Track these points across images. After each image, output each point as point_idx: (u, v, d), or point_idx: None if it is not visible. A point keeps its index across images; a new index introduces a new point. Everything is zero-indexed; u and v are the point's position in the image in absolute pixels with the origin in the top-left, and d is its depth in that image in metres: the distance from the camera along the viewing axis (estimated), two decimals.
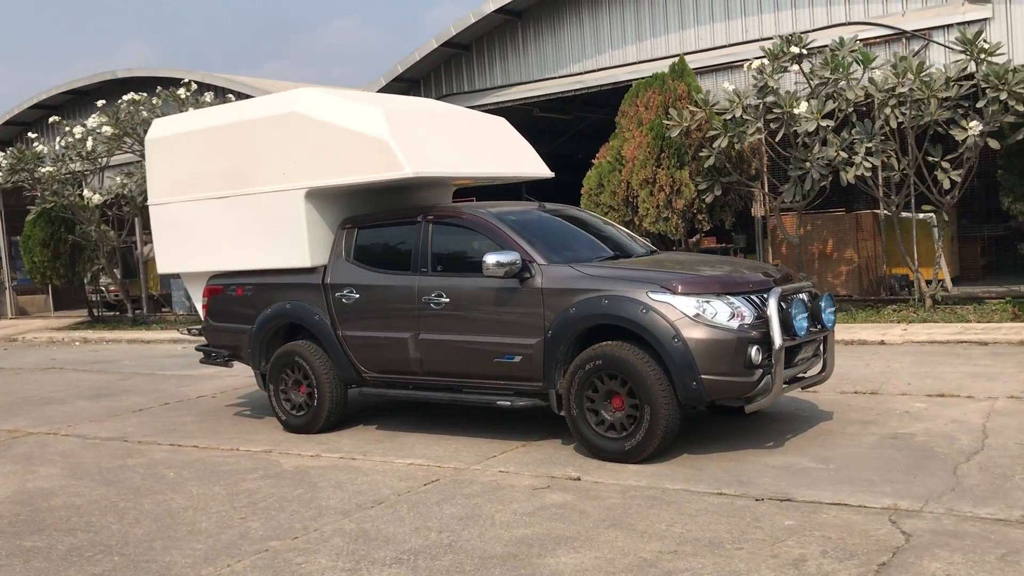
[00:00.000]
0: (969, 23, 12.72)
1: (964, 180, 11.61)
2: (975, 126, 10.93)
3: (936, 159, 11.65)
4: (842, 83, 11.59)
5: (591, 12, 15.98)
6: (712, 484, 5.61)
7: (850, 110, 11.67)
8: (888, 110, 11.10)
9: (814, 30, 13.71)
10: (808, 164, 11.95)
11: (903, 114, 11.13)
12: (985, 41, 11.03)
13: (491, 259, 6.61)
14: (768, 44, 12.16)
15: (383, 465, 6.70)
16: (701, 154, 12.75)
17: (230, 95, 17.78)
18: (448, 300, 7.05)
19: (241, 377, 11.67)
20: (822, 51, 11.97)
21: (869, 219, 14.46)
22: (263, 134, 8.11)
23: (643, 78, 14.17)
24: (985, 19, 12.64)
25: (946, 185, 11.51)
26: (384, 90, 17.21)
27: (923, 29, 13.03)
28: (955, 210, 14.03)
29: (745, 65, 12.24)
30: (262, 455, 7.32)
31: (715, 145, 12.43)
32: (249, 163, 8.24)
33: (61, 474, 7.21)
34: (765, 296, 6.19)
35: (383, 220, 7.89)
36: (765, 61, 11.83)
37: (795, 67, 11.88)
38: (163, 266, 9.27)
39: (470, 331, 6.95)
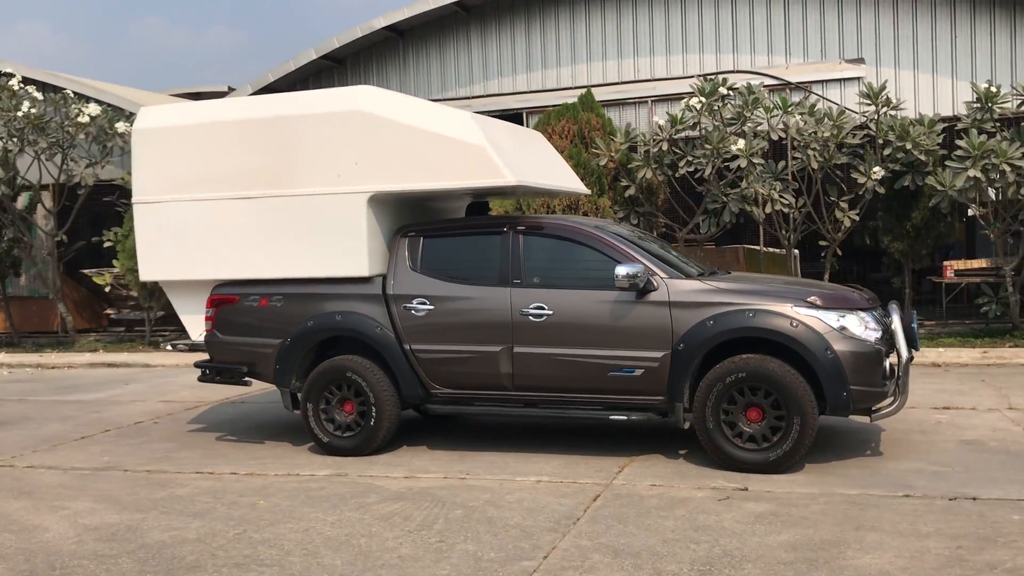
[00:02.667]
0: (846, 79, 14.26)
1: (860, 220, 12.92)
2: (877, 172, 12.22)
3: (834, 199, 12.87)
4: (763, 124, 12.52)
5: (480, 38, 16.08)
6: (886, 488, 5.90)
7: (766, 149, 12.63)
8: (810, 151, 12.13)
9: (705, 75, 14.67)
10: (726, 199, 12.76)
11: (820, 156, 12.20)
12: (887, 95, 12.38)
13: (622, 271, 6.55)
14: (693, 82, 12.88)
15: (509, 483, 6.37)
16: (620, 183, 13.21)
17: (65, 92, 15.92)
18: (551, 312, 6.87)
19: (152, 401, 10.58)
20: (739, 92, 12.84)
21: (739, 252, 15.62)
22: (311, 132, 7.47)
23: (537, 106, 14.49)
24: (859, 77, 14.20)
25: (847, 224, 12.74)
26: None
27: (806, 82, 14.38)
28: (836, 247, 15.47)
29: (683, 101, 12.86)
30: (344, 479, 6.69)
31: (640, 177, 12.95)
32: (287, 162, 7.55)
33: (105, 508, 6.19)
34: (886, 312, 6.62)
35: (456, 229, 7.54)
36: (695, 99, 12.50)
37: (717, 106, 12.65)
38: (149, 273, 8.20)
39: (579, 344, 6.80)
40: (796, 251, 13.82)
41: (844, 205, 12.79)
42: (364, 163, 7.30)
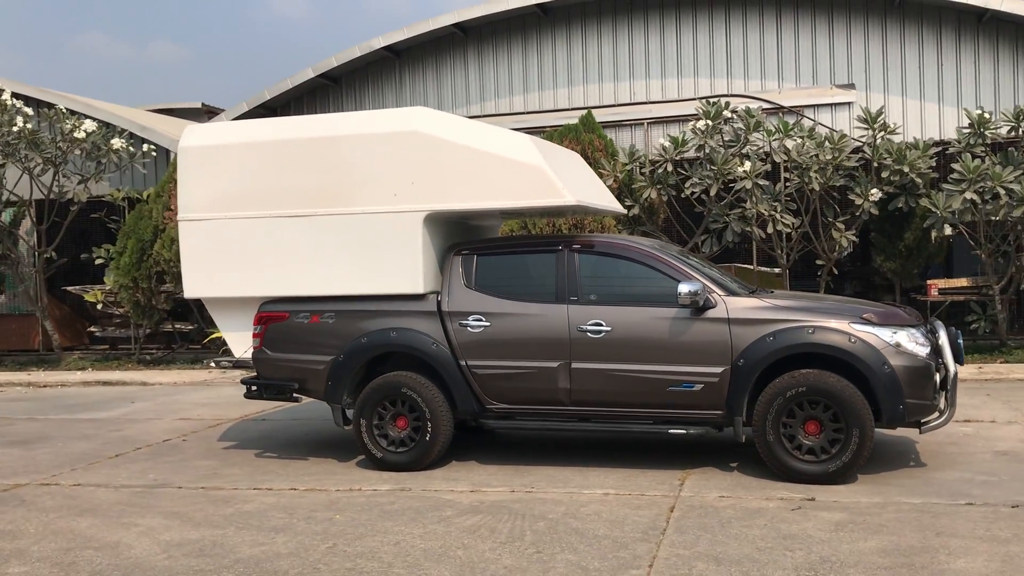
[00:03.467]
0: (837, 104, 14.74)
1: (858, 240, 13.34)
2: (875, 193, 12.65)
3: (831, 220, 13.27)
4: (763, 146, 12.89)
5: (477, 59, 16.28)
6: (946, 497, 6.17)
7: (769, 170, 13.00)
8: (812, 174, 12.51)
9: (703, 98, 15.04)
10: (727, 218, 13.09)
11: (821, 178, 12.59)
12: (885, 120, 12.84)
13: (684, 288, 6.76)
14: (696, 105, 13.22)
15: (578, 496, 6.52)
16: (624, 202, 13.47)
17: (57, 108, 15.73)
18: (610, 329, 7.05)
19: (168, 419, 10.53)
20: (740, 116, 13.19)
21: (731, 271, 15.95)
22: (366, 151, 7.59)
23: (535, 127, 14.68)
24: (850, 102, 14.68)
25: (844, 244, 13.15)
26: (246, 116, 16.23)
27: (798, 106, 14.82)
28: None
29: (690, 124, 13.17)
30: (409, 493, 6.78)
31: (644, 196, 13.23)
32: (342, 181, 7.65)
33: (179, 524, 6.21)
34: (932, 328, 6.93)
35: (510, 247, 7.71)
36: (700, 122, 12.83)
37: (721, 128, 13.00)
38: (195, 289, 8.21)
39: (638, 360, 6.99)
40: (787, 271, 14.19)
41: (841, 225, 13.20)
42: (420, 182, 7.43)
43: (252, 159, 7.90)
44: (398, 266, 7.51)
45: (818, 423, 6.62)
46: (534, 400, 7.29)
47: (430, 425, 7.38)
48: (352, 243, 7.62)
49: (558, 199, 7.22)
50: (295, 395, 7.93)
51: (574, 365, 7.11)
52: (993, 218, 12.44)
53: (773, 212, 12.84)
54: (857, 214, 12.98)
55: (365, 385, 7.69)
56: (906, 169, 12.45)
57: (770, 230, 12.92)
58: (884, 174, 12.66)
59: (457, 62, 16.36)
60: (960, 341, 6.99)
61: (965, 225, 12.69)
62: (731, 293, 7.01)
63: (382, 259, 7.55)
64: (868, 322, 6.67)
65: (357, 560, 5.33)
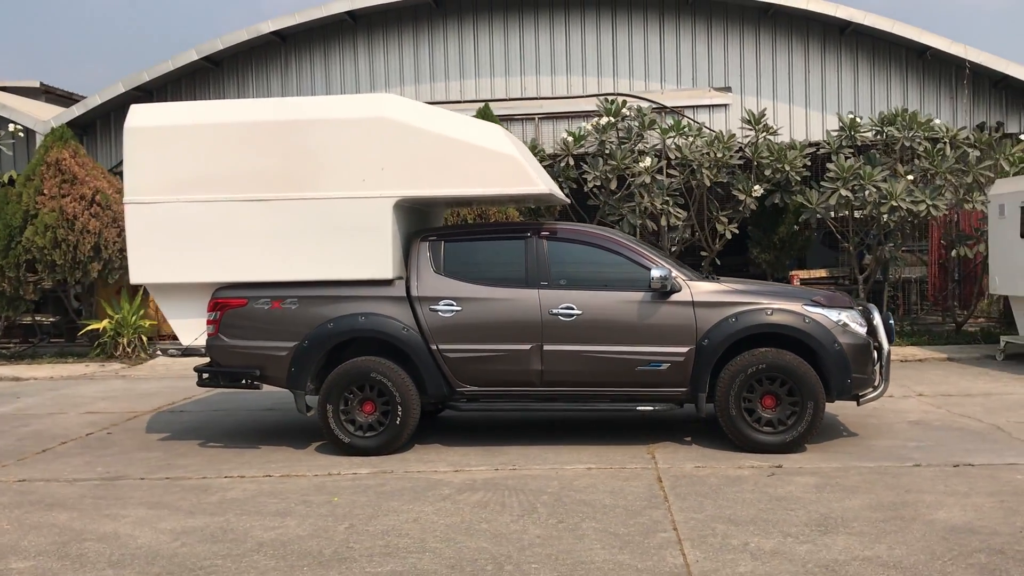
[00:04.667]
0: (715, 106, 15.68)
1: (739, 232, 14.28)
2: (758, 189, 13.60)
3: (715, 214, 14.15)
4: (657, 143, 13.59)
5: (367, 47, 16.22)
6: (893, 460, 6.85)
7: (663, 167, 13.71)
8: (704, 170, 13.30)
9: (587, 95, 15.67)
10: (622, 211, 13.71)
11: (711, 175, 13.41)
12: (767, 122, 13.80)
13: (657, 273, 7.18)
14: (596, 102, 13.77)
15: (562, 471, 6.79)
16: None
17: None
18: (580, 312, 7.38)
19: (73, 413, 10.09)
20: (634, 114, 13.83)
21: None
22: (333, 137, 7.57)
23: None
24: (726, 104, 15.65)
25: (728, 236, 14.04)
26: (123, 97, 15.52)
27: (679, 106, 15.65)
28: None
29: (592, 120, 13.66)
30: (393, 475, 6.86)
31: None
32: (307, 165, 7.60)
33: (170, 513, 6.06)
34: (867, 310, 7.64)
35: (477, 234, 7.89)
36: (603, 119, 13.37)
37: (620, 125, 13.60)
38: (141, 275, 7.91)
39: (608, 341, 7.35)
40: None
41: (724, 219, 14.08)
42: (390, 168, 7.49)
43: (207, 141, 7.71)
44: (366, 251, 7.54)
45: (775, 397, 7.19)
46: (506, 382, 7.51)
47: (400, 409, 7.47)
48: (317, 228, 7.58)
49: (531, 187, 7.48)
50: (254, 383, 7.80)
51: (546, 347, 7.39)
52: (859, 214, 13.62)
53: (665, 206, 13.54)
54: (740, 209, 13.88)
55: (326, 372, 7.68)
56: (787, 167, 13.43)
57: (663, 223, 13.63)
58: (767, 172, 13.61)
59: (347, 49, 16.23)
60: (891, 322, 7.74)
61: (834, 220, 13.83)
62: (692, 278, 7.49)
63: (349, 244, 7.55)
64: (818, 304, 7.30)
65: (385, 537, 5.41)
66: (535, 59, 15.98)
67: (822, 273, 16.46)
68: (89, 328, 14.80)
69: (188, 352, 8.17)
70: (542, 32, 15.95)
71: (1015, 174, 13.21)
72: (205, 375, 7.92)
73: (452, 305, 7.52)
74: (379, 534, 5.48)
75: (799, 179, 13.75)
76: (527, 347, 7.40)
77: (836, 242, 17.69)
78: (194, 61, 15.78)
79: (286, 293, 7.70)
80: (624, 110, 13.57)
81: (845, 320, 7.30)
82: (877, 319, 7.56)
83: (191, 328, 7.99)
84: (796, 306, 7.26)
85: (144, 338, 14.92)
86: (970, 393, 9.83)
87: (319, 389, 7.69)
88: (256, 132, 7.66)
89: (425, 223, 8.51)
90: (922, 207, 13.06)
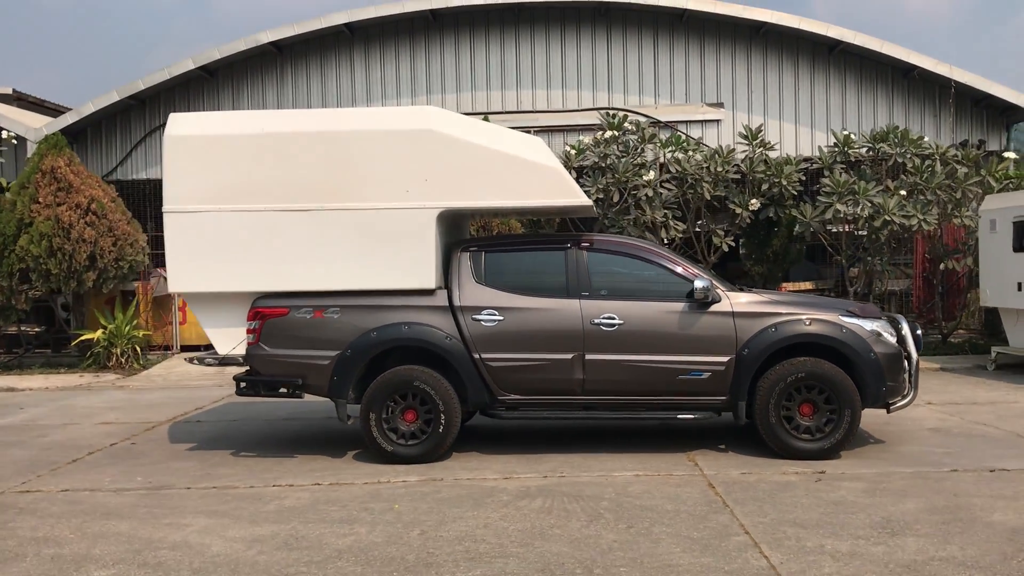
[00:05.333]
0: (707, 121, 15.98)
1: (736, 246, 14.55)
2: (755, 203, 13.89)
3: (712, 227, 14.41)
4: (658, 157, 13.83)
5: (364, 60, 16.26)
6: (930, 466, 7.08)
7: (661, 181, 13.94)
8: (704, 183, 13.56)
9: (581, 110, 15.88)
10: (622, 224, 13.91)
11: (711, 188, 13.67)
12: (763, 138, 14.10)
13: (700, 284, 7.36)
14: (597, 115, 13.96)
15: (612, 478, 6.91)
16: None
17: None
18: (622, 322, 7.52)
19: (87, 424, 10.00)
20: (634, 128, 14.05)
21: None
22: (378, 148, 7.64)
23: None
24: (718, 120, 15.96)
25: (725, 248, 14.31)
26: (117, 105, 15.40)
27: (673, 121, 15.93)
28: None
29: (596, 134, 13.84)
30: (443, 483, 6.92)
31: None
32: (350, 176, 7.66)
33: (233, 522, 6.07)
34: (895, 321, 7.89)
35: (516, 245, 8.01)
36: (607, 132, 13.58)
37: (622, 139, 13.81)
38: (180, 284, 7.89)
39: (650, 351, 7.49)
40: None
41: (721, 232, 14.35)
42: (434, 180, 7.59)
43: (250, 151, 7.73)
44: (409, 261, 7.62)
45: (812, 405, 7.39)
46: (547, 391, 7.62)
47: (443, 417, 7.54)
48: (360, 238, 7.64)
49: (576, 200, 7.63)
50: (295, 392, 7.81)
51: (588, 357, 7.51)
52: (853, 227, 13.97)
53: (665, 219, 13.77)
54: (736, 221, 14.16)
55: (365, 381, 7.73)
56: (784, 182, 13.75)
57: (662, 235, 13.85)
58: (764, 186, 13.90)
59: (343, 61, 16.27)
60: (919, 332, 7.99)
61: (824, 234, 14.17)
62: (730, 289, 7.68)
63: (392, 254, 7.62)
64: (853, 314, 7.53)
65: (463, 543, 5.48)
66: (531, 72, 16.16)
67: (808, 286, 16.80)
68: (83, 338, 14.62)
69: (226, 361, 8.13)
70: (538, 46, 16.13)
71: (999, 190, 13.66)
72: (243, 384, 7.91)
73: (495, 315, 7.62)
74: (454, 540, 5.55)
75: (794, 193, 14.06)
76: (569, 356, 7.52)
77: (815, 256, 18.13)
78: (190, 70, 15.68)
79: (328, 302, 7.74)
80: (627, 124, 13.78)
81: (878, 330, 7.53)
82: (906, 329, 7.81)
83: (229, 337, 7.99)
84: (832, 316, 7.48)
85: (138, 348, 14.80)
86: (976, 401, 10.14)
87: (358, 399, 7.74)
88: (300, 143, 7.71)
89: (456, 234, 8.60)
90: (913, 221, 13.43)
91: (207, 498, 6.75)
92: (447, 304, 7.67)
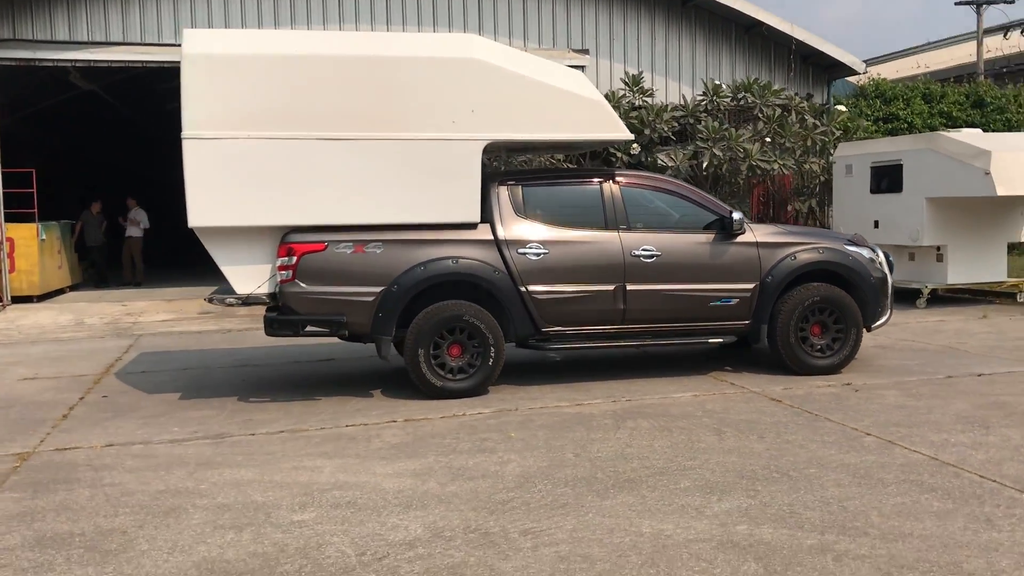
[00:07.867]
0: (573, 67, 16.38)
1: None
2: (636, 147, 14.62)
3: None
4: None
5: None
6: (925, 375, 8.05)
7: None
8: None
9: None
10: (505, 166, 14.14)
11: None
12: (643, 85, 14.80)
13: (736, 216, 7.85)
14: None
15: (678, 399, 7.28)
16: None
17: None
18: (660, 253, 7.87)
19: (11, 380, 9.05)
20: None
21: None
22: (422, 76, 7.37)
23: None
24: (583, 66, 16.49)
25: None
26: None
27: None
28: None
29: None
30: (522, 413, 6.98)
31: None
32: (393, 104, 7.36)
33: (358, 463, 5.85)
34: (874, 248, 8.83)
35: (552, 179, 8.09)
36: None
37: None
38: (202, 217, 7.21)
39: (686, 280, 7.90)
40: None
41: None
42: (480, 111, 7.47)
43: (281, 73, 7.21)
44: (454, 195, 7.48)
45: (821, 326, 8.16)
46: (590, 321, 7.83)
47: (493, 351, 7.54)
48: (403, 170, 7.39)
49: (620, 134, 7.83)
50: (337, 330, 7.46)
51: (628, 287, 7.80)
52: (723, 170, 15.11)
53: (550, 161, 14.15)
54: (617, 166, 14.83)
55: (405, 318, 7.55)
56: (664, 127, 14.57)
57: None
58: (646, 131, 14.65)
59: None
60: (891, 259, 8.99)
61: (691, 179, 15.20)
62: (753, 222, 8.24)
63: (437, 187, 7.45)
64: (854, 243, 8.35)
65: (629, 461, 5.62)
66: (401, 10, 15.80)
67: None
68: None
69: (249, 301, 7.56)
70: None
71: (839, 138, 15.32)
72: (276, 324, 7.45)
73: (539, 248, 7.68)
74: (614, 459, 5.69)
75: (667, 138, 14.93)
76: (611, 287, 7.76)
77: None
78: None
79: (366, 237, 7.44)
80: None
81: (874, 257, 8.41)
82: (881, 256, 8.76)
83: (250, 275, 7.47)
84: (839, 245, 8.26)
85: None
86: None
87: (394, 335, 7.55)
88: (338, 67, 7.30)
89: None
90: (774, 166, 14.76)
91: (291, 442, 6.39)
92: (491, 238, 7.63)
